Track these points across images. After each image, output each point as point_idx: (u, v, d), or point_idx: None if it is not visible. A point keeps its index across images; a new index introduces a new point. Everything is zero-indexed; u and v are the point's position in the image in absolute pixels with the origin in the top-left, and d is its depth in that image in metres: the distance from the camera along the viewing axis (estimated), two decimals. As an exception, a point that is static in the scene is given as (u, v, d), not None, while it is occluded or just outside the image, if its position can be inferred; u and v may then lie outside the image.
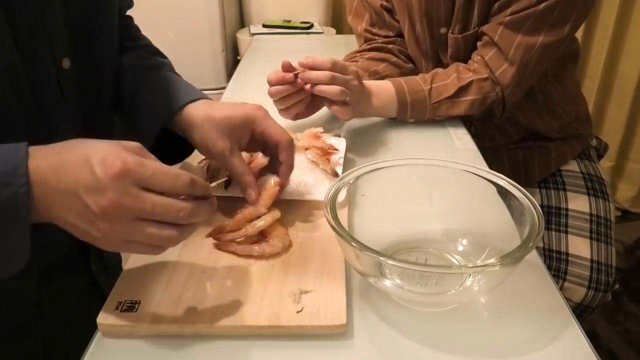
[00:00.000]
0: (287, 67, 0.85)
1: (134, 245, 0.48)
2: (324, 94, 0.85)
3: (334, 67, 0.84)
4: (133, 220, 0.46)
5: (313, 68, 0.84)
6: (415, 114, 0.97)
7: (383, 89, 0.95)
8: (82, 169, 0.45)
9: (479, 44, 1.00)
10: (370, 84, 0.95)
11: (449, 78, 0.97)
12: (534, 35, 0.93)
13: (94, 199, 0.45)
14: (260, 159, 0.69)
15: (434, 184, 0.67)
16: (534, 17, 0.91)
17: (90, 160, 0.45)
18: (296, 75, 0.85)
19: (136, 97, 0.71)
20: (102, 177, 0.44)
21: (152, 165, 0.46)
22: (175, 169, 0.49)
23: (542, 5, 0.90)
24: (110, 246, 0.49)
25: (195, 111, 0.66)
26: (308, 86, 0.86)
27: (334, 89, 0.84)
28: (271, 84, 0.86)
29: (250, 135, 0.67)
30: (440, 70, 1.00)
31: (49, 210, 0.46)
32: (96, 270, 0.73)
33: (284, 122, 0.93)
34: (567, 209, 1.11)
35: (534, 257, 0.64)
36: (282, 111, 0.91)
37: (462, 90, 0.96)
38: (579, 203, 1.11)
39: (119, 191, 0.44)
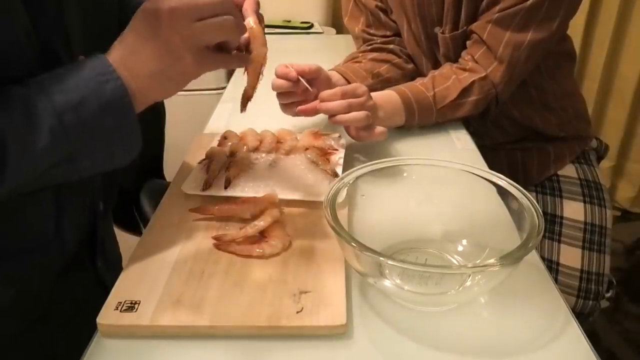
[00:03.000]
0: (294, 74, 0.84)
1: (220, 59, 0.58)
2: (348, 123, 0.83)
3: (345, 95, 0.82)
4: (194, 23, 0.52)
5: (323, 100, 0.82)
6: (422, 120, 0.96)
7: (388, 100, 0.94)
8: (134, 22, 0.53)
9: (468, 42, 1.00)
10: (375, 96, 0.93)
11: (449, 80, 0.97)
12: (522, 32, 0.93)
13: (157, 25, 0.52)
14: None
15: (434, 184, 0.67)
16: (522, 14, 0.92)
17: (136, 15, 0.53)
18: (299, 78, 0.84)
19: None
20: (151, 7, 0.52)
21: None
22: None
23: (530, 1, 0.90)
24: (202, 62, 0.55)
25: None
26: (314, 89, 0.85)
27: (357, 115, 0.81)
28: (277, 75, 0.85)
29: None
30: (436, 73, 1.00)
31: (139, 83, 0.53)
32: (101, 267, 0.74)
33: (285, 120, 0.94)
34: (562, 217, 1.11)
35: (533, 257, 0.64)
36: (283, 106, 0.90)
37: (465, 91, 0.96)
38: (574, 211, 1.11)
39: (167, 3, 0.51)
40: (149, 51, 0.53)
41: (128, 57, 0.53)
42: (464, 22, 1.00)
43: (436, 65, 1.10)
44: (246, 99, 0.67)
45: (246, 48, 0.63)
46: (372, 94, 0.93)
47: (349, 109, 0.81)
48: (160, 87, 0.56)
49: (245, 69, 0.65)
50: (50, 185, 0.56)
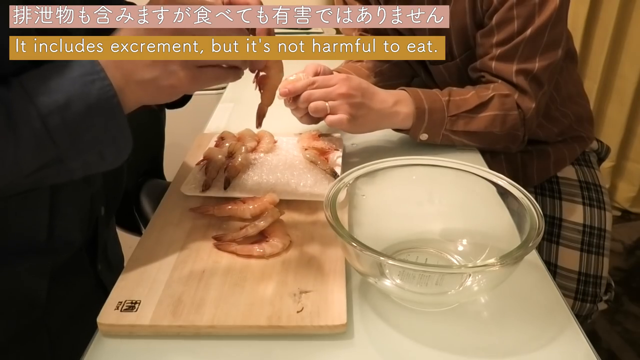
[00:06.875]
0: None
1: (214, 75, 0.57)
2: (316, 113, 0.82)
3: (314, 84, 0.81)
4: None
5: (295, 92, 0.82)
6: (431, 126, 0.88)
7: (395, 94, 0.89)
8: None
9: (482, 80, 0.95)
10: (380, 92, 0.88)
11: (468, 93, 0.91)
12: (528, 62, 0.89)
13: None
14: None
15: (434, 184, 0.67)
16: (525, 44, 0.88)
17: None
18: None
19: None
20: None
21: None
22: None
23: (529, 31, 0.86)
24: (196, 80, 0.54)
25: None
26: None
27: (315, 106, 0.81)
28: (280, 94, 0.84)
29: None
30: (455, 88, 0.93)
31: (130, 88, 0.52)
32: (102, 270, 0.74)
33: (283, 120, 0.93)
34: (561, 219, 1.11)
35: (534, 257, 0.64)
36: (299, 118, 0.89)
37: (483, 105, 0.89)
38: (573, 213, 1.11)
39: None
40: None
41: (122, 64, 0.51)
42: (457, 52, 0.97)
43: (429, 71, 1.09)
44: (261, 115, 0.71)
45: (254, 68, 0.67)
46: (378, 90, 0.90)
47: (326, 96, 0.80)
48: (149, 95, 0.54)
49: (258, 84, 0.68)
50: (43, 186, 0.55)
